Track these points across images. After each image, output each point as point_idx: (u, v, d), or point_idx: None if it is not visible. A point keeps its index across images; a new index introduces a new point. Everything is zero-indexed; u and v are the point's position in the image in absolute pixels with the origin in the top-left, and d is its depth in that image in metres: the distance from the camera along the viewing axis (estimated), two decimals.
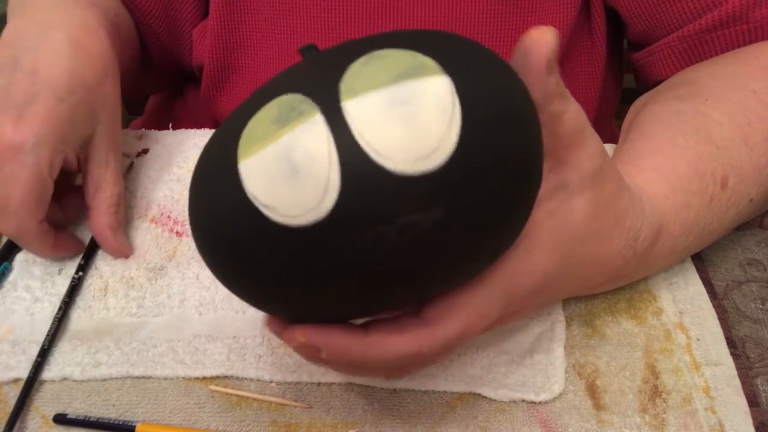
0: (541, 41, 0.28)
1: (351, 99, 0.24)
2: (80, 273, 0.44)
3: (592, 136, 0.32)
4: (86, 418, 0.37)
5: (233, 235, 0.26)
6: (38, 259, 0.45)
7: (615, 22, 0.59)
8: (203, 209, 0.27)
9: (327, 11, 0.56)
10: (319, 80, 0.26)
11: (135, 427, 0.36)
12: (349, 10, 0.55)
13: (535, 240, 0.32)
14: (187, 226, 0.46)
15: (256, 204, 0.25)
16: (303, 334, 0.29)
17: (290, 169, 0.24)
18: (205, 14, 0.61)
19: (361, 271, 0.25)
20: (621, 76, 0.67)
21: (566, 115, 0.30)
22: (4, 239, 0.46)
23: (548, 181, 0.32)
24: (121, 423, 0.37)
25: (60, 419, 0.37)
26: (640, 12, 0.54)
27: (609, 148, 0.54)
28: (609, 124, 0.69)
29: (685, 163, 0.41)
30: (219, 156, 0.27)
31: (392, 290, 0.27)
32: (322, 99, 0.25)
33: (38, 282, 0.44)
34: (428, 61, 0.25)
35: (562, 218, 0.32)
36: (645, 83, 0.58)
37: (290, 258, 0.25)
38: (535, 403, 0.37)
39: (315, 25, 0.56)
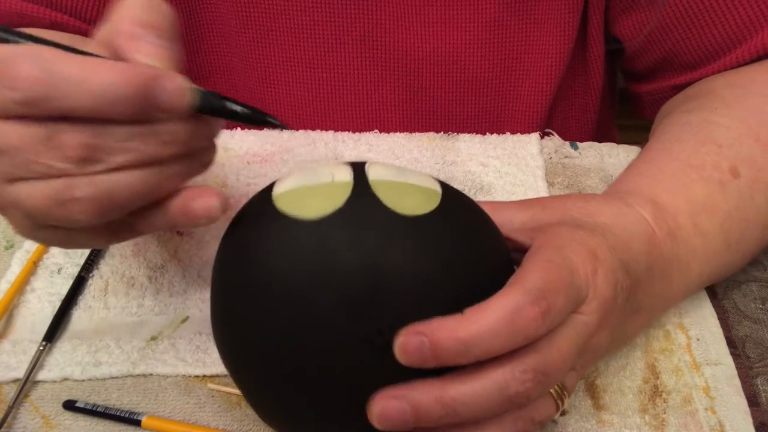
0: None
1: None
2: (85, 271, 0.44)
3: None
4: (94, 407, 0.37)
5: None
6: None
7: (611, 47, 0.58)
8: None
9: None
10: None
11: (141, 420, 0.36)
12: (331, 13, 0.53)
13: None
14: None
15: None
16: (410, 331, 0.27)
17: None
18: None
19: None
20: (616, 92, 0.67)
21: None
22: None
23: None
24: (127, 415, 0.37)
25: (69, 406, 0.37)
26: (650, 49, 0.53)
27: (610, 147, 0.54)
28: (610, 132, 0.69)
29: (676, 161, 0.41)
30: None
31: None
32: None
33: (38, 281, 0.44)
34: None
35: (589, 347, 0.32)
36: (642, 116, 0.57)
37: None
38: None
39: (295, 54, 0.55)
